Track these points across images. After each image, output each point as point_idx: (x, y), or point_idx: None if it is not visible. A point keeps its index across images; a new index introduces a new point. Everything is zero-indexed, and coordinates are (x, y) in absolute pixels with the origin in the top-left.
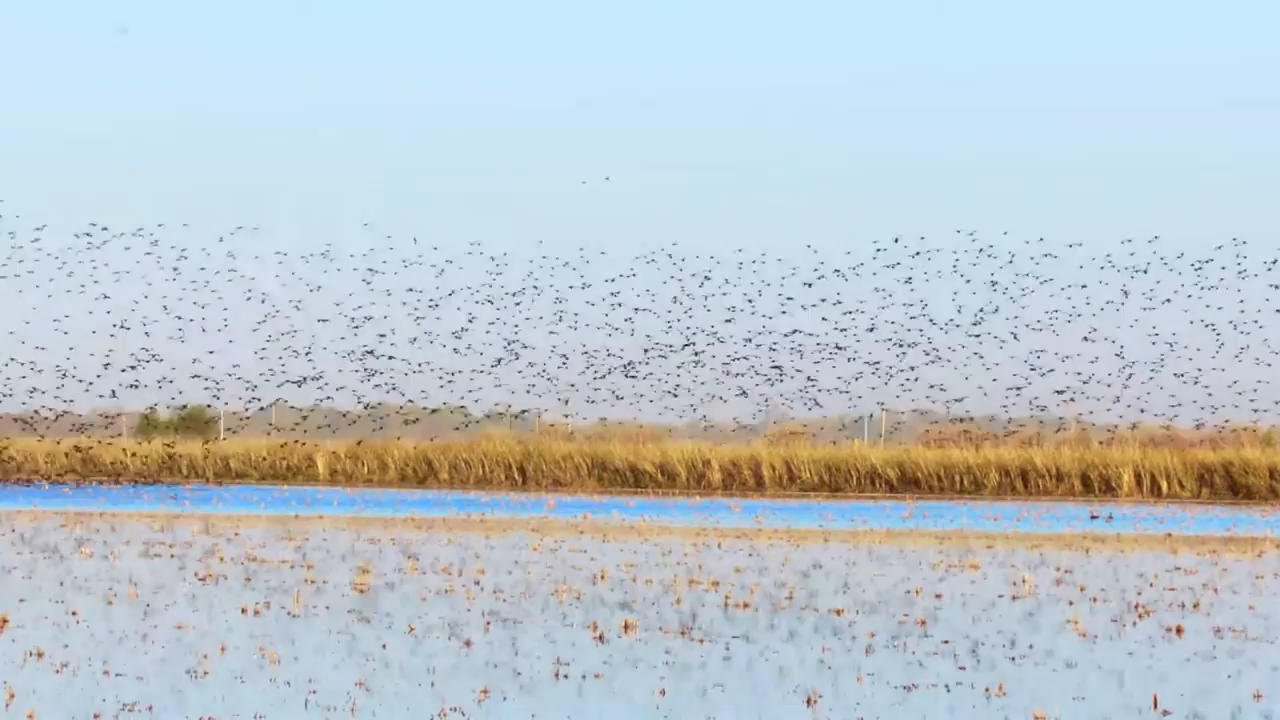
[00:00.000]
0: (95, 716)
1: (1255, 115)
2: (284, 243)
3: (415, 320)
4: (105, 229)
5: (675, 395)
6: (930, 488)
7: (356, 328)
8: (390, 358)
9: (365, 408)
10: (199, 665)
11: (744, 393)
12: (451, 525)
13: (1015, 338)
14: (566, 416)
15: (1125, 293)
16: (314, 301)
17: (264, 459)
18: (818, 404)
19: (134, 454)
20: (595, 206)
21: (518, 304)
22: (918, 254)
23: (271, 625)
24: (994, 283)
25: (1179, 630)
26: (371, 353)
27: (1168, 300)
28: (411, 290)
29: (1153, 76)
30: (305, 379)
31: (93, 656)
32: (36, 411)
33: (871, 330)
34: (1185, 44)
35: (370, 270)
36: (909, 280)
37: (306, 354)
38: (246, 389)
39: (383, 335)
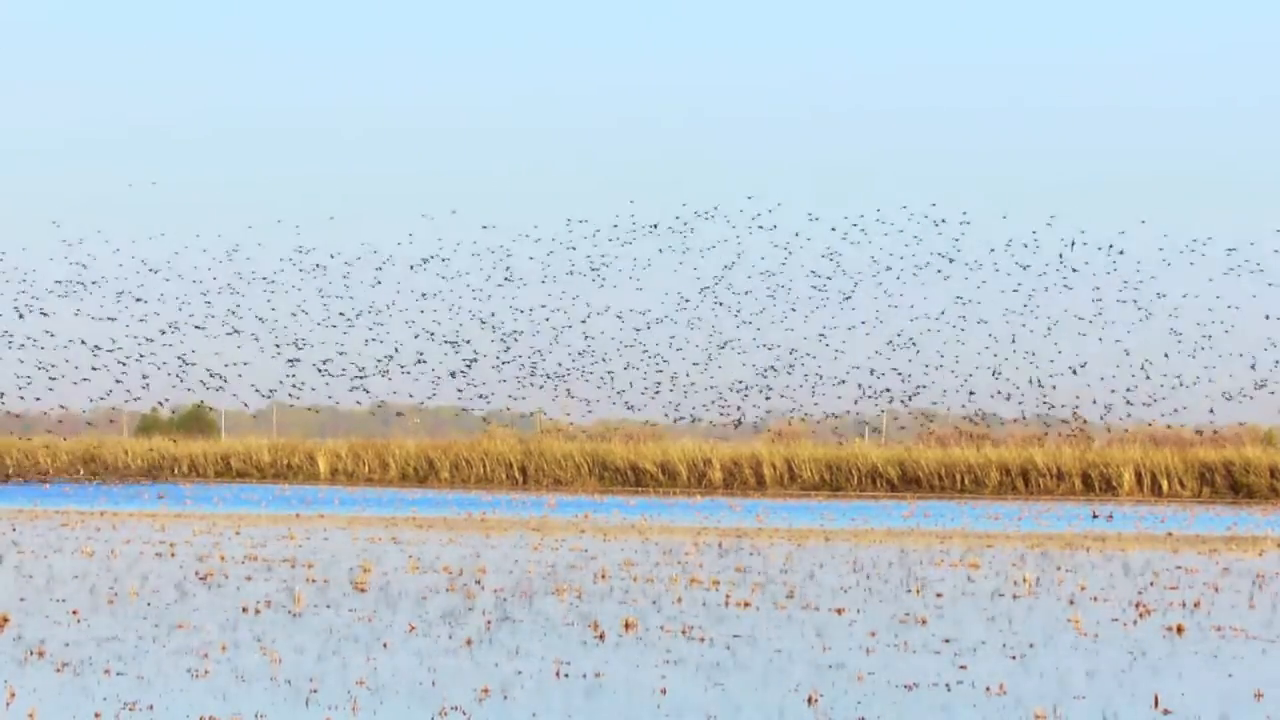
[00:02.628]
0: (95, 716)
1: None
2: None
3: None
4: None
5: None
6: (931, 487)
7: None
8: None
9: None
10: (199, 665)
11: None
12: (452, 524)
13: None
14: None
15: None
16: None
17: (265, 458)
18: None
19: (133, 452)
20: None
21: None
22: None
23: (272, 625)
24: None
25: (1180, 629)
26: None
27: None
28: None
29: None
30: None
31: (93, 656)
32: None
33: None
34: None
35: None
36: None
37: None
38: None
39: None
